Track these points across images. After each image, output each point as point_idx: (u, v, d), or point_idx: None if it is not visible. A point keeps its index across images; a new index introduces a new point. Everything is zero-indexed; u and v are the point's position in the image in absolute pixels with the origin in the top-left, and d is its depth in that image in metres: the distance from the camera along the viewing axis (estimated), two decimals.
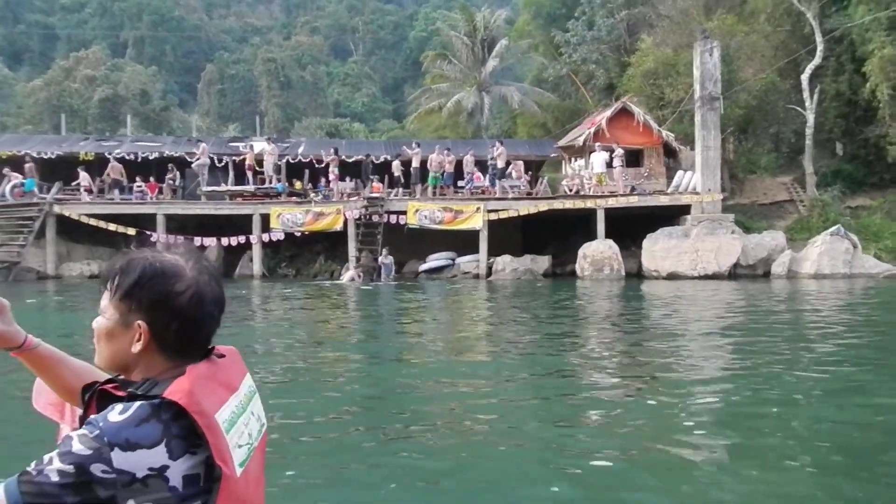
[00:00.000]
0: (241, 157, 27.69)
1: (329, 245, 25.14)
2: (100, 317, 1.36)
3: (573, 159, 28.74)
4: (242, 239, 23.47)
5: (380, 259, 22.15)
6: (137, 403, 1.24)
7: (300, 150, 30.50)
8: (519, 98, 37.09)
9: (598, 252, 22.14)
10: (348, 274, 21.92)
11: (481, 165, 24.82)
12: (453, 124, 42.64)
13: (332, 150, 25.19)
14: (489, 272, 22.98)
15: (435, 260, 23.64)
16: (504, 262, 22.82)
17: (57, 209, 23.37)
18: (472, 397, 6.41)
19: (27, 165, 24.86)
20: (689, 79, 25.83)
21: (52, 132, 49.68)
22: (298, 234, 23.72)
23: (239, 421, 1.34)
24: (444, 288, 20.08)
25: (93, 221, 23.34)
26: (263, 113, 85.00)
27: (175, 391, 1.24)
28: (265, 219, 23.58)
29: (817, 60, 26.24)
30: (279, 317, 13.70)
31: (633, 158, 26.17)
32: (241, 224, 24.60)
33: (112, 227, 23.34)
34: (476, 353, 9.01)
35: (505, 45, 37.57)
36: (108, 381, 1.37)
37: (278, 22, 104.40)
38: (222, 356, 1.41)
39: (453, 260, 23.75)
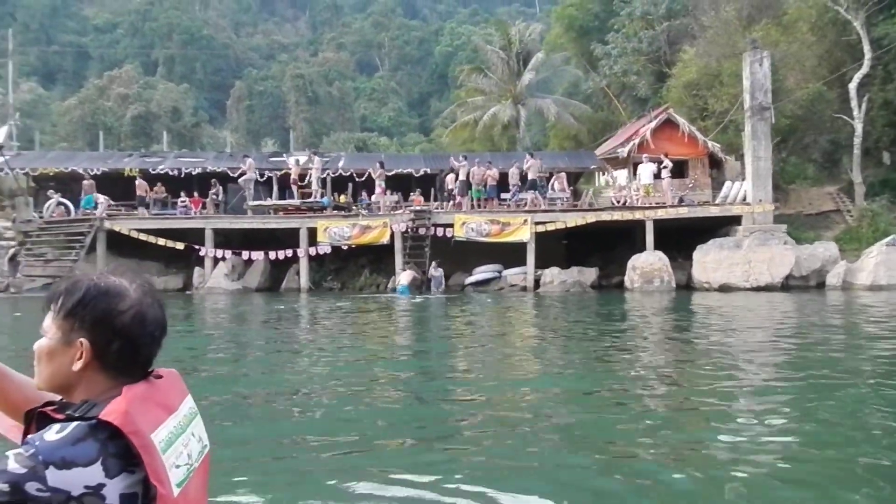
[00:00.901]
0: (285, 172, 27.92)
1: (373, 258, 25.18)
2: (42, 338, 1.39)
3: (606, 171, 28.75)
4: (290, 252, 23.55)
5: (429, 272, 22.13)
6: (74, 423, 1.25)
7: (340, 164, 30.64)
8: (555, 111, 37.07)
9: (648, 264, 21.97)
10: (405, 274, 21.87)
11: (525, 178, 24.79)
12: (483, 137, 42.76)
13: (377, 164, 25.27)
14: (537, 284, 22.88)
15: (482, 272, 23.57)
16: (552, 274, 22.71)
17: (107, 224, 23.61)
18: (535, 410, 6.26)
19: (86, 182, 25.14)
20: (733, 89, 25.71)
21: (88, 150, 50.41)
22: (345, 248, 23.78)
23: (177, 441, 1.35)
24: (494, 301, 19.99)
25: (142, 236, 23.54)
26: (292, 128, 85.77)
27: (111, 412, 1.26)
28: (312, 232, 23.67)
29: (865, 69, 25.99)
30: (349, 331, 13.69)
31: (678, 169, 26.00)
32: (284, 238, 24.70)
33: (161, 241, 23.52)
34: (540, 367, 8.81)
35: (541, 59, 37.62)
36: (48, 404, 1.38)
37: (304, 39, 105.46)
38: (160, 377, 1.42)
39: (499, 272, 23.67)
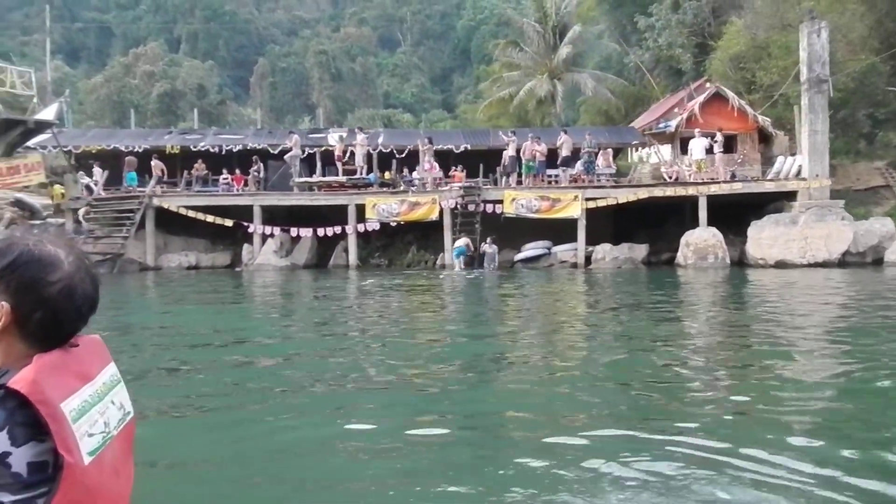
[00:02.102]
0: (325, 148, 27.80)
1: (420, 234, 25.09)
2: None
3: (650, 146, 28.40)
4: (338, 229, 23.50)
5: (483, 247, 22.03)
6: None
7: (380, 139, 30.47)
8: (592, 85, 36.60)
9: (702, 240, 21.74)
10: (461, 240, 21.89)
11: (577, 153, 24.54)
12: (513, 113, 42.39)
13: (426, 139, 25.08)
14: (587, 261, 22.72)
15: (531, 249, 23.43)
16: (604, 250, 22.55)
17: (156, 201, 23.64)
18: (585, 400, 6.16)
19: (128, 159, 25.15)
20: (783, 62, 25.25)
21: (114, 127, 50.45)
22: (393, 224, 23.69)
23: (92, 410, 1.34)
24: (548, 277, 19.89)
25: (191, 213, 23.56)
26: (315, 105, 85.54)
27: (18, 380, 1.25)
28: (360, 209, 23.58)
29: None
30: (407, 307, 13.65)
31: (726, 144, 25.64)
32: (330, 214, 24.64)
33: (210, 218, 23.53)
34: (611, 346, 8.68)
35: (578, 32, 37.07)
36: None
37: (325, 14, 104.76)
38: (76, 346, 1.39)
39: (549, 249, 23.51)
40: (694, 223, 23.22)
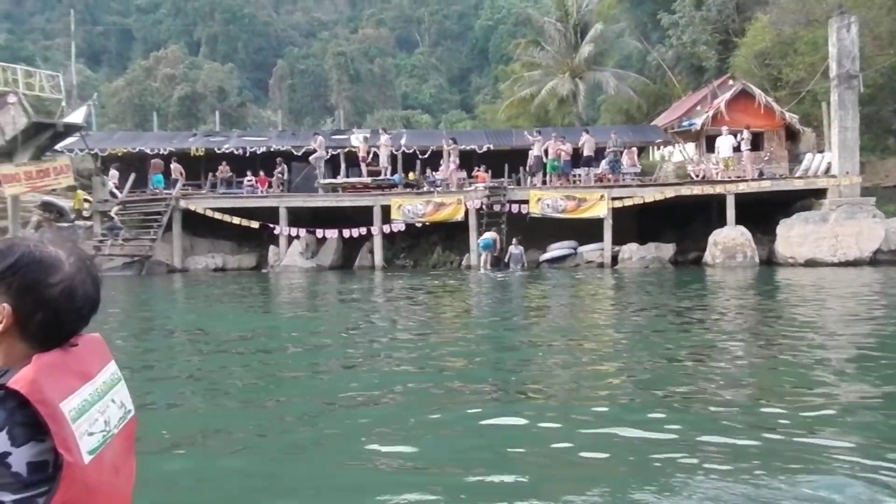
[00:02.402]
0: (349, 149, 27.87)
1: (444, 235, 25.08)
2: None
3: (675, 144, 28.17)
4: (364, 230, 23.53)
5: (510, 249, 21.97)
6: None
7: (403, 140, 30.48)
8: (614, 84, 36.39)
9: (730, 239, 21.56)
10: (488, 234, 21.84)
11: (599, 153, 24.44)
12: (531, 112, 42.26)
13: (450, 140, 25.06)
14: (614, 261, 22.60)
15: (557, 249, 23.34)
16: (630, 250, 22.42)
17: (183, 203, 23.79)
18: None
19: (154, 161, 25.34)
20: (809, 58, 25.00)
21: (137, 130, 50.86)
22: (419, 225, 23.69)
23: (92, 409, 1.35)
24: (575, 278, 19.78)
25: (217, 215, 23.69)
26: (334, 106, 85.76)
27: (17, 380, 1.26)
28: (385, 210, 23.60)
29: None
30: (437, 307, 13.63)
31: (753, 142, 25.38)
32: (354, 216, 24.70)
33: (236, 220, 23.65)
34: (650, 350, 8.57)
35: (600, 30, 36.86)
36: None
37: (343, 16, 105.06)
38: (75, 345, 1.40)
39: (574, 249, 23.41)
40: (721, 222, 23.04)
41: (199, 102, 72.28)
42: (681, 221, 25.06)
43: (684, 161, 27.88)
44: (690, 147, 28.55)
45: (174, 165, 26.26)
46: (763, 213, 22.71)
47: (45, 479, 1.27)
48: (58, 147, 24.80)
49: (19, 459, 1.24)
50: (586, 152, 23.56)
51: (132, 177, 24.24)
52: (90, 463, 1.32)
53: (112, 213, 22.85)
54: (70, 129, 23.17)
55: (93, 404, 1.36)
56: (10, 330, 1.34)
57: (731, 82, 33.63)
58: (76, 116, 23.74)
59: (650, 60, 36.49)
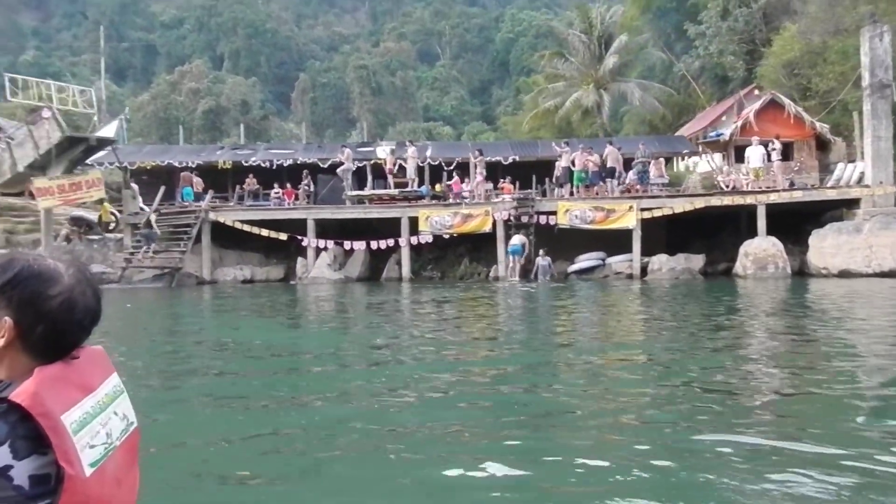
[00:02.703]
0: (374, 161, 27.97)
1: (471, 247, 25.04)
2: None
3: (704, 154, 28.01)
4: (392, 242, 23.56)
5: (537, 260, 21.90)
6: None
7: (428, 152, 30.54)
8: (639, 94, 36.31)
9: (762, 250, 21.33)
10: (516, 237, 21.80)
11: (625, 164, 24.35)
12: (551, 124, 42.29)
13: (477, 151, 25.10)
14: (643, 272, 22.44)
15: (585, 260, 23.23)
16: (660, 261, 22.25)
17: (212, 216, 23.95)
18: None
19: (184, 174, 25.60)
20: (839, 67, 24.78)
21: (161, 144, 51.50)
22: (446, 237, 23.68)
23: (94, 421, 1.36)
24: (605, 289, 19.64)
25: (246, 227, 23.83)
26: (356, 119, 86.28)
27: (19, 393, 1.27)
28: (413, 222, 23.62)
29: None
30: (472, 319, 13.56)
31: (783, 152, 25.19)
32: (381, 227, 24.75)
33: (265, 232, 23.77)
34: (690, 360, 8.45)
35: (624, 42, 36.84)
36: None
37: (365, 30, 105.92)
38: (76, 357, 1.40)
39: (603, 260, 23.29)
40: (750, 232, 22.84)
41: (223, 116, 73.07)
42: (709, 232, 24.86)
43: (712, 171, 27.72)
44: (718, 157, 28.38)
45: (196, 180, 26.53)
46: (792, 223, 22.46)
47: (47, 492, 1.28)
48: (87, 160, 25.11)
49: (21, 473, 1.25)
50: (610, 163, 23.49)
51: (162, 189, 24.44)
52: (92, 475, 1.33)
53: (151, 220, 23.10)
54: (102, 143, 23.47)
55: (94, 417, 1.37)
56: (13, 343, 1.35)
57: (756, 92, 33.49)
58: (108, 131, 24.07)
59: (676, 71, 36.33)
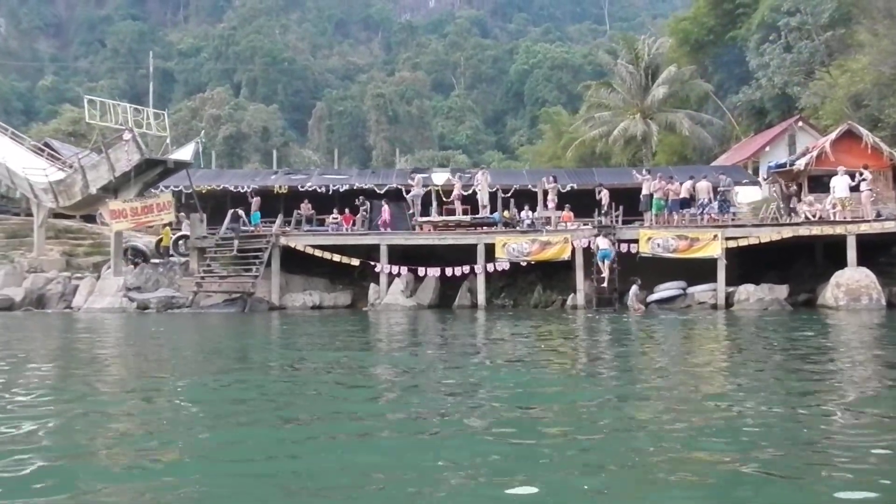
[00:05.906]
0: (439, 188, 27.62)
1: (543, 274, 24.50)
2: None
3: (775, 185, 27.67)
4: (466, 269, 23.04)
5: (632, 289, 21.32)
6: None
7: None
8: (688, 125, 36.16)
9: (854, 281, 20.87)
10: (602, 240, 21.78)
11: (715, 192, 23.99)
12: (594, 153, 42.21)
13: (551, 178, 24.72)
14: (727, 303, 21.92)
15: (666, 289, 22.72)
16: (748, 291, 21.77)
17: (282, 241, 23.41)
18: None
19: (255, 199, 25.18)
20: None
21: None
22: (523, 264, 23.16)
23: None
24: (693, 320, 18.95)
25: (317, 252, 23.29)
26: (371, 146, 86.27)
27: None
28: (489, 248, 23.11)
29: None
30: (571, 352, 12.96)
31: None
32: (446, 254, 24.24)
33: (336, 258, 23.23)
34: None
35: (673, 73, 36.82)
36: None
37: (378, 59, 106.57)
38: None
39: (683, 289, 22.78)
40: (828, 263, 22.41)
41: (243, 142, 72.92)
42: (779, 263, 24.41)
43: (771, 200, 27.41)
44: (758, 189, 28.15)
45: (255, 200, 26.23)
46: (866, 255, 22.00)
47: None
48: (160, 183, 24.66)
49: None
50: (701, 196, 23.16)
51: (230, 213, 23.93)
52: None
53: (239, 213, 22.90)
54: (179, 166, 22.98)
55: None
56: None
57: (800, 124, 33.40)
58: (184, 153, 23.61)
59: (737, 101, 36.28)
